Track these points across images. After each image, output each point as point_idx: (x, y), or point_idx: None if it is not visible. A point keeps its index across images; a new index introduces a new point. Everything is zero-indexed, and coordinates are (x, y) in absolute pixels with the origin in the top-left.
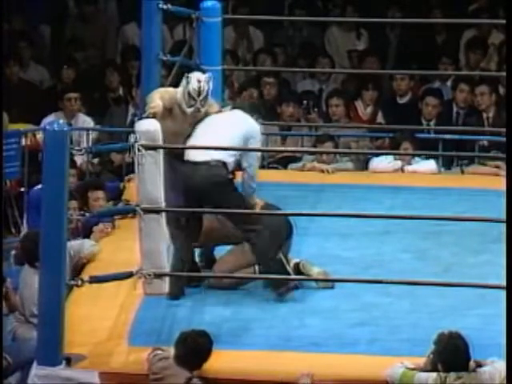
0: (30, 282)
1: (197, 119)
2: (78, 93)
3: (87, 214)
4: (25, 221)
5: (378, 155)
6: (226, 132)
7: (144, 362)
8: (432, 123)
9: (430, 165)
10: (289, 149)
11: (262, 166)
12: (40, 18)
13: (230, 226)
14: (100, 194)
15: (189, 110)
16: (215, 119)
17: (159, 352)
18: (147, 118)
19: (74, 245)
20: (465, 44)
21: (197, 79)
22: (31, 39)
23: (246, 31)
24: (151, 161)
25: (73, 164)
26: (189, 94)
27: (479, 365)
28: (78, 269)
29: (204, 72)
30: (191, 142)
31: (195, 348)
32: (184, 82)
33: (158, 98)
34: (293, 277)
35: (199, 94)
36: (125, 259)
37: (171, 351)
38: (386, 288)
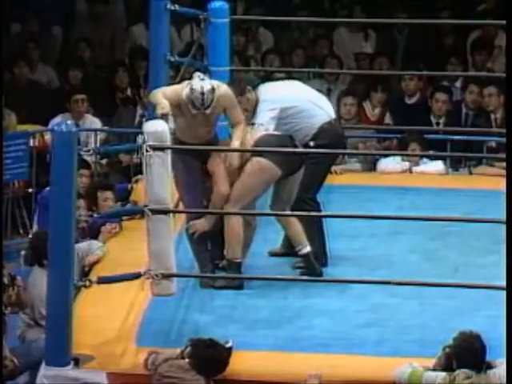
0: (39, 282)
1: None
2: (86, 94)
3: (95, 215)
4: (35, 223)
5: (385, 156)
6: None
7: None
8: (441, 121)
9: (438, 166)
10: (296, 150)
11: None
12: (53, 20)
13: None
14: (109, 194)
15: (195, 112)
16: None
17: (154, 355)
18: (161, 118)
19: (81, 246)
20: (470, 45)
21: (200, 92)
22: (40, 40)
23: (255, 32)
24: (159, 161)
25: (86, 165)
26: (193, 103)
27: (489, 366)
28: (86, 270)
29: (209, 73)
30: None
31: (218, 360)
32: (188, 90)
33: (162, 98)
34: (297, 277)
35: (203, 104)
36: (132, 260)
37: (170, 353)
38: (394, 289)
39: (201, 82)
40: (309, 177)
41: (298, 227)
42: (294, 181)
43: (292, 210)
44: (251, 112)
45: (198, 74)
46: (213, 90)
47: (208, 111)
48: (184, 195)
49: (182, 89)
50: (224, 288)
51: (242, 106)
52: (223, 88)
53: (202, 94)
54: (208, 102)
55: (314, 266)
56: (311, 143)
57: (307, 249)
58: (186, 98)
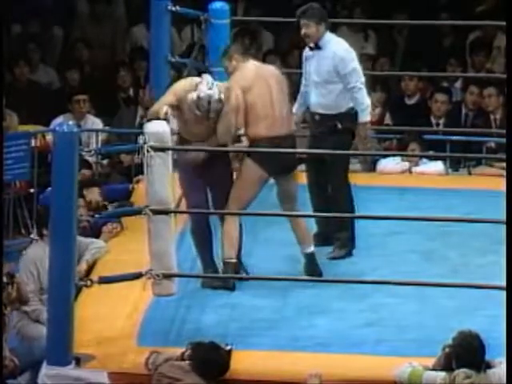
0: (39, 253)
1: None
2: (88, 94)
3: (96, 215)
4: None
5: (385, 156)
6: None
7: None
8: (441, 121)
9: (438, 166)
10: (296, 150)
11: None
12: (53, 20)
13: None
14: (95, 189)
15: (198, 113)
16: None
17: (155, 355)
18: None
19: (82, 241)
20: (469, 46)
21: (207, 101)
22: (41, 41)
23: (256, 32)
24: (160, 162)
25: (87, 165)
26: (198, 107)
27: (489, 365)
28: (83, 271)
29: (209, 74)
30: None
31: (219, 363)
32: (195, 97)
33: (162, 104)
34: (300, 277)
35: (208, 112)
36: (134, 260)
37: (171, 353)
38: (394, 289)
39: (208, 92)
40: (345, 162)
41: (303, 225)
42: (290, 179)
43: (337, 196)
44: (311, 40)
45: (207, 77)
46: (220, 100)
47: (212, 115)
48: (187, 195)
49: (189, 86)
50: (218, 288)
51: (306, 31)
52: (226, 90)
53: (209, 103)
54: (213, 112)
55: (316, 267)
56: (339, 125)
57: (311, 248)
58: (191, 102)
